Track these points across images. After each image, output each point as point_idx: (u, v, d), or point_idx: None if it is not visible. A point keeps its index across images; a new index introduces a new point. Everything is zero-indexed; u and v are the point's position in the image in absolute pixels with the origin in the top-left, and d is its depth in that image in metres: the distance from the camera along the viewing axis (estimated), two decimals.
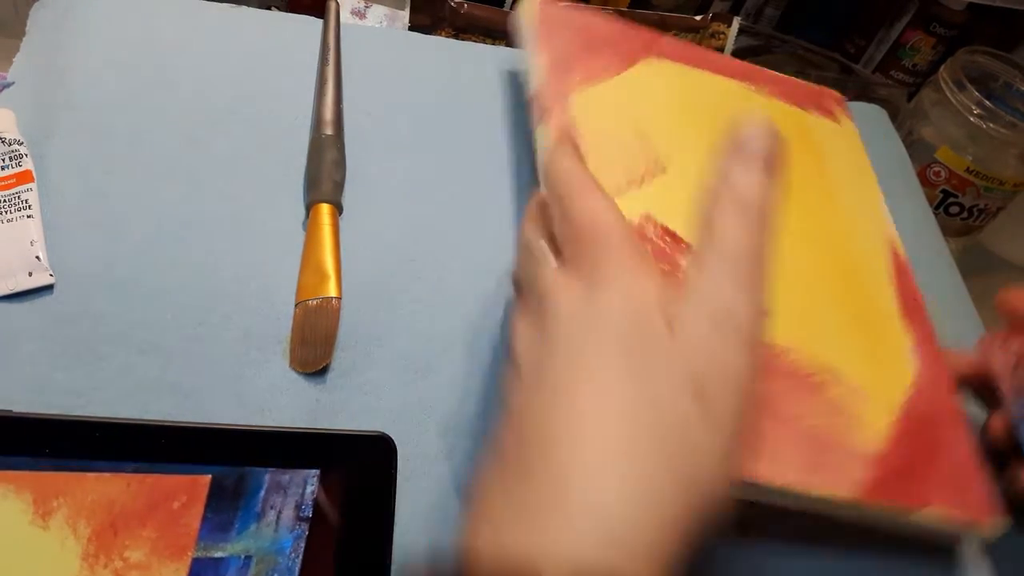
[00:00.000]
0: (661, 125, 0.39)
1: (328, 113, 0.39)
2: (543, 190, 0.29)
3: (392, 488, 0.26)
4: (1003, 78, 0.60)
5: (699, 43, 0.57)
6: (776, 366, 0.34)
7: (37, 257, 0.31)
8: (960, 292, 0.46)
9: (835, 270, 0.40)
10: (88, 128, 0.36)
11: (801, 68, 0.69)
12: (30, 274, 0.31)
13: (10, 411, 0.24)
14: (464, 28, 0.51)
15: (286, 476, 0.25)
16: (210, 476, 0.24)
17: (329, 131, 0.38)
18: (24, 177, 0.33)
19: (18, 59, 0.37)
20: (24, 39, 0.38)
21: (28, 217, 0.32)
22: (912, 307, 0.41)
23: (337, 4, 0.45)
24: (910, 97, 0.67)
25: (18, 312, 0.30)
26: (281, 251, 0.35)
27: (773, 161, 0.25)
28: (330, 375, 0.32)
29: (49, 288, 0.31)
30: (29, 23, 0.39)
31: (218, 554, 0.23)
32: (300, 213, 0.36)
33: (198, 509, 0.24)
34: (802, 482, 0.31)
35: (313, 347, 0.32)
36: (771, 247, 0.24)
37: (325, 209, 0.35)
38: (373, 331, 0.34)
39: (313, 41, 0.43)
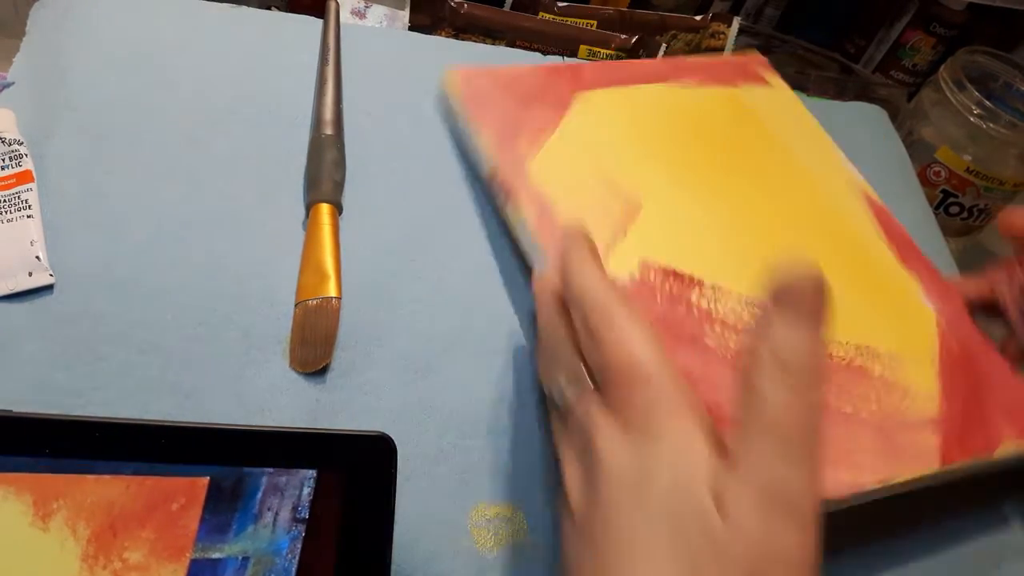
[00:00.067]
0: (618, 160, 0.39)
1: (328, 113, 0.39)
2: (537, 275, 0.31)
3: (392, 488, 0.26)
4: (1003, 78, 0.60)
5: (699, 43, 0.57)
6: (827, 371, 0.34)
7: (37, 257, 0.31)
8: None
9: (823, 240, 0.40)
10: (88, 128, 0.36)
11: (801, 68, 0.69)
12: (30, 274, 0.31)
13: (10, 411, 0.24)
14: (464, 28, 0.51)
15: (284, 477, 0.25)
16: (208, 478, 0.24)
17: (329, 131, 0.38)
18: (24, 177, 0.33)
19: (18, 59, 0.37)
20: (24, 39, 0.38)
21: (28, 217, 0.32)
22: (906, 249, 0.42)
23: (337, 4, 0.45)
24: (910, 97, 0.67)
25: (18, 312, 0.30)
26: (281, 251, 0.35)
27: (819, 312, 0.22)
28: (330, 375, 0.32)
29: (49, 288, 0.31)
30: (29, 23, 0.39)
31: (216, 555, 0.23)
32: (300, 213, 0.36)
33: (196, 511, 0.24)
34: (885, 476, 0.32)
35: (313, 347, 0.32)
36: (821, 410, 0.22)
37: (325, 209, 0.35)
38: (373, 331, 0.34)
39: (313, 41, 0.43)
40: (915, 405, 0.34)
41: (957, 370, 0.36)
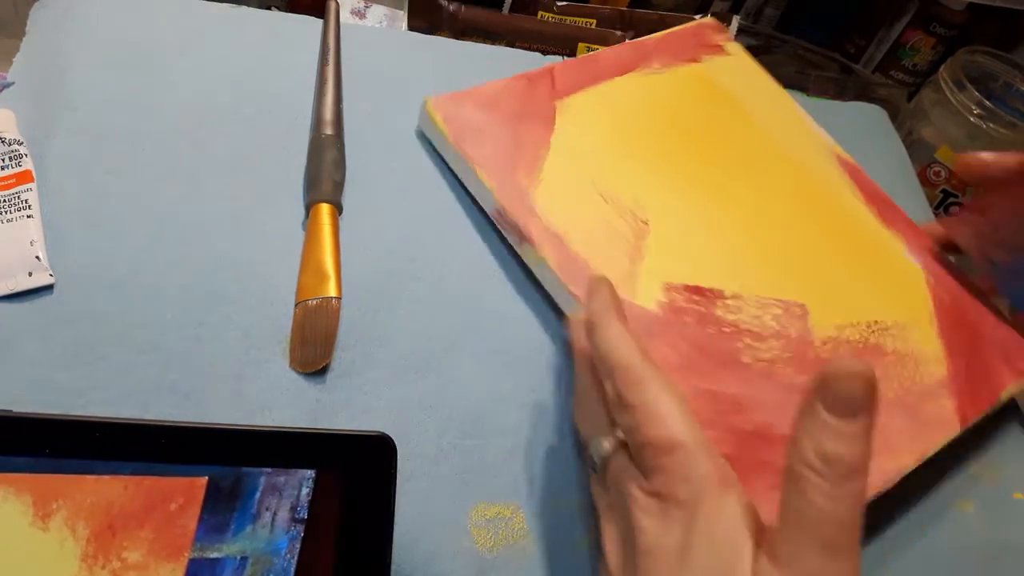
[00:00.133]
0: (612, 172, 0.40)
1: (328, 113, 0.39)
2: (569, 324, 0.31)
3: (392, 488, 0.26)
4: (1003, 78, 0.60)
5: None
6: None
7: (37, 257, 0.31)
8: None
9: (812, 219, 0.41)
10: (88, 128, 0.36)
11: (801, 68, 0.69)
12: (30, 274, 0.31)
13: (10, 411, 0.24)
14: (463, 32, 0.51)
15: (283, 477, 0.25)
16: (207, 478, 0.24)
17: (329, 131, 0.38)
18: (24, 177, 0.33)
19: (18, 59, 0.37)
20: (24, 39, 0.38)
21: (28, 217, 0.32)
22: (883, 207, 0.44)
23: (337, 4, 0.45)
24: (910, 97, 0.67)
25: (18, 312, 0.30)
26: (281, 251, 0.35)
27: (866, 406, 0.22)
28: (330, 375, 0.32)
29: (49, 288, 0.31)
30: (29, 23, 0.39)
31: (214, 555, 0.23)
32: (300, 213, 0.36)
33: (195, 511, 0.24)
34: (921, 452, 0.34)
35: (313, 347, 0.32)
36: (863, 498, 0.22)
37: (325, 209, 0.35)
38: (373, 331, 0.34)
39: (313, 41, 0.43)
40: (927, 371, 0.37)
41: (953, 324, 0.39)
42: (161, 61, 0.39)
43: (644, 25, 0.54)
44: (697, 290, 0.36)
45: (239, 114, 0.39)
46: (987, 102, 0.56)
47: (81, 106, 0.36)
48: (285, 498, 0.25)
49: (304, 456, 0.26)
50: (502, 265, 0.38)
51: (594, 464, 0.28)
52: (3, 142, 0.33)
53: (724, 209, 0.40)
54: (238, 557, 0.23)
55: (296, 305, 0.33)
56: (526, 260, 0.37)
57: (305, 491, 0.25)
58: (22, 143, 0.34)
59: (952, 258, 0.43)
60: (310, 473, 0.25)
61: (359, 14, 0.53)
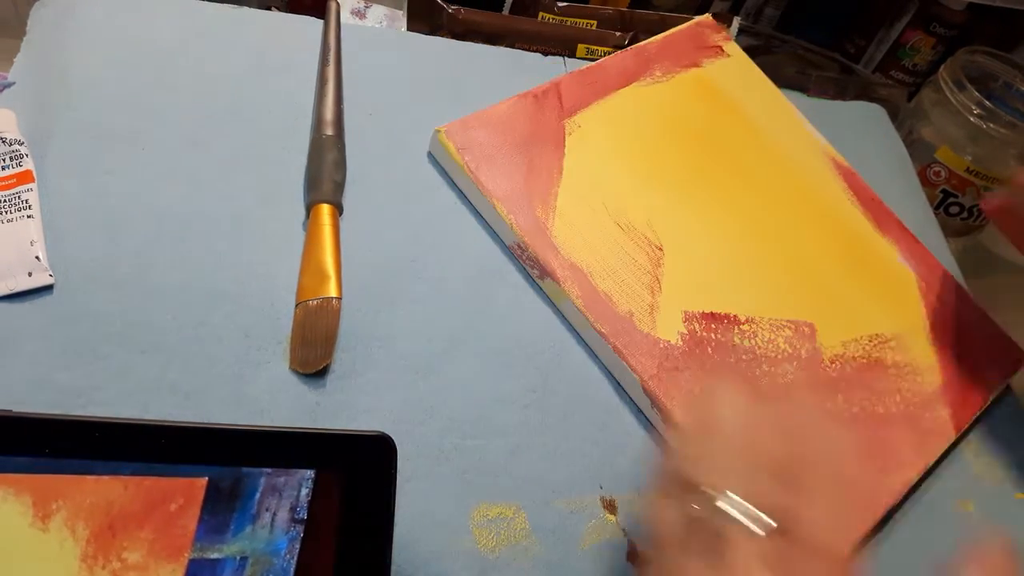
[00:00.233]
0: (625, 195, 0.40)
1: (328, 113, 0.39)
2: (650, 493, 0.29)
3: (392, 488, 0.26)
4: (1003, 78, 0.60)
5: None
6: (853, 376, 0.37)
7: (37, 257, 0.31)
8: None
9: (814, 231, 0.42)
10: (88, 128, 0.36)
11: (801, 68, 0.69)
12: (30, 274, 0.31)
13: (10, 411, 0.24)
14: (463, 34, 0.51)
15: (283, 477, 0.25)
16: (206, 478, 0.24)
17: (329, 131, 0.38)
18: (24, 177, 0.33)
19: (18, 59, 0.37)
20: (24, 39, 0.38)
21: (28, 217, 0.32)
22: (877, 212, 0.45)
23: (337, 4, 0.45)
24: (910, 97, 0.67)
25: (18, 312, 0.30)
26: (281, 251, 0.35)
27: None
28: (330, 375, 0.32)
29: (49, 288, 0.31)
30: (29, 23, 0.39)
31: (214, 555, 0.23)
32: (300, 213, 0.36)
33: (195, 511, 0.24)
34: (924, 463, 0.36)
35: (313, 347, 0.32)
36: None
37: (325, 209, 0.35)
38: (373, 331, 0.34)
39: (313, 41, 0.43)
40: (924, 380, 0.38)
41: (944, 329, 0.40)
42: (161, 61, 0.39)
43: (644, 26, 0.54)
44: (714, 317, 0.37)
45: (239, 114, 0.39)
46: (987, 102, 0.56)
47: (81, 106, 0.36)
48: (285, 498, 0.25)
49: (304, 456, 0.26)
50: (502, 265, 0.38)
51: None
52: (4, 142, 0.33)
53: (729, 223, 0.41)
54: (238, 557, 0.23)
55: (296, 305, 0.33)
56: (548, 294, 0.37)
57: (305, 491, 0.25)
58: (23, 143, 0.34)
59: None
60: (310, 473, 0.25)
61: (359, 14, 0.53)
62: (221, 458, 0.25)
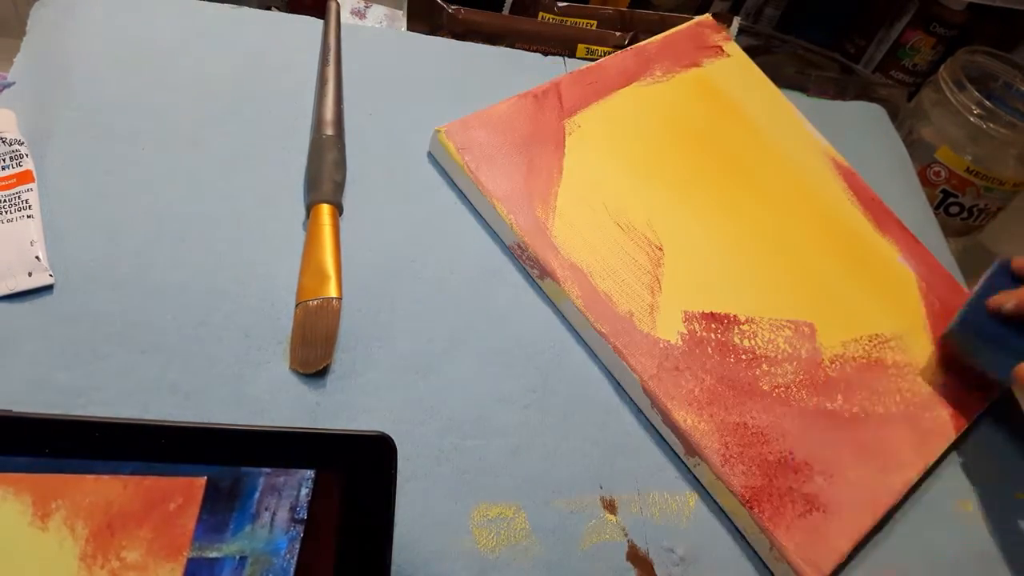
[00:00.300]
0: (625, 195, 0.40)
1: (328, 113, 0.39)
2: None
3: (392, 488, 0.26)
4: (1003, 78, 0.60)
5: None
6: (853, 376, 0.37)
7: (37, 257, 0.31)
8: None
9: (815, 231, 0.42)
10: (88, 128, 0.36)
11: (801, 68, 0.69)
12: (30, 274, 0.31)
13: (10, 411, 0.24)
14: (463, 35, 0.51)
15: (282, 477, 0.25)
16: (206, 478, 0.24)
17: (329, 131, 0.38)
18: (24, 177, 0.33)
19: (18, 59, 0.37)
20: (24, 39, 0.38)
21: (28, 217, 0.32)
22: (877, 212, 0.45)
23: (337, 4, 0.45)
24: (910, 97, 0.67)
25: (18, 312, 0.30)
26: (281, 251, 0.35)
27: None
28: (330, 376, 0.32)
29: (49, 288, 0.31)
30: (29, 23, 0.39)
31: (213, 555, 0.23)
32: (300, 213, 0.36)
33: (194, 510, 0.24)
34: (923, 464, 0.36)
35: (313, 347, 0.32)
36: None
37: (325, 209, 0.35)
38: (373, 331, 0.34)
39: (313, 41, 0.43)
40: (925, 380, 0.38)
41: (944, 329, 0.40)
42: (161, 61, 0.39)
43: (644, 26, 0.54)
44: (714, 317, 0.37)
45: (239, 114, 0.39)
46: (987, 102, 0.56)
47: (81, 106, 0.36)
48: (285, 498, 0.25)
49: (304, 456, 0.26)
50: (502, 265, 0.38)
51: None
52: (4, 142, 0.33)
53: (729, 223, 0.41)
54: (237, 557, 0.23)
55: (297, 305, 0.33)
56: (548, 294, 0.37)
57: (305, 491, 0.25)
58: (23, 143, 0.34)
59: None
60: (310, 473, 0.25)
61: (359, 14, 0.53)
62: (221, 458, 0.25)
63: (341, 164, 0.37)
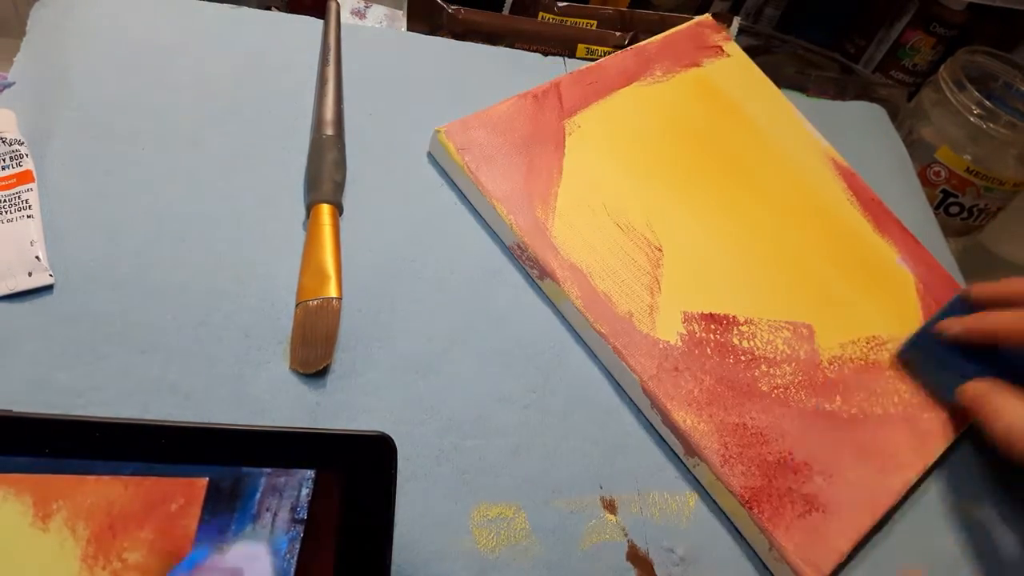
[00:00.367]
0: (625, 195, 0.40)
1: (328, 113, 0.39)
2: None
3: (392, 488, 0.26)
4: (1003, 78, 0.60)
5: None
6: (851, 378, 0.37)
7: (37, 257, 0.31)
8: None
9: (814, 232, 0.42)
10: (88, 128, 0.36)
11: (801, 68, 0.69)
12: (30, 274, 0.31)
13: (10, 411, 0.24)
14: (463, 35, 0.51)
15: (283, 477, 0.25)
16: (207, 478, 0.24)
17: (329, 131, 0.38)
18: (24, 177, 0.33)
19: (18, 59, 0.37)
20: (24, 39, 0.38)
21: (28, 217, 0.32)
22: (877, 213, 0.45)
23: (337, 4, 0.45)
24: (910, 97, 0.67)
25: (18, 312, 0.30)
26: (281, 251, 0.35)
27: None
28: (330, 376, 0.32)
29: (49, 288, 0.31)
30: (29, 23, 0.39)
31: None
32: (300, 213, 0.36)
33: (195, 511, 0.24)
34: (922, 465, 0.36)
35: (314, 347, 0.32)
36: None
37: (326, 209, 0.35)
38: (373, 331, 0.34)
39: (313, 41, 0.43)
40: None
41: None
42: (161, 61, 0.39)
43: (644, 26, 0.54)
44: (713, 318, 0.37)
45: (239, 114, 0.39)
46: (987, 102, 0.56)
47: (81, 106, 0.36)
48: (285, 498, 0.25)
49: (304, 456, 0.26)
50: (502, 265, 0.38)
51: None
52: (4, 142, 0.33)
53: (729, 224, 0.41)
54: None
55: (297, 305, 0.33)
56: (548, 294, 0.37)
57: (305, 491, 0.25)
58: (23, 143, 0.34)
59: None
60: (310, 473, 0.25)
61: (359, 14, 0.53)
62: (221, 458, 0.25)
63: (341, 164, 0.37)
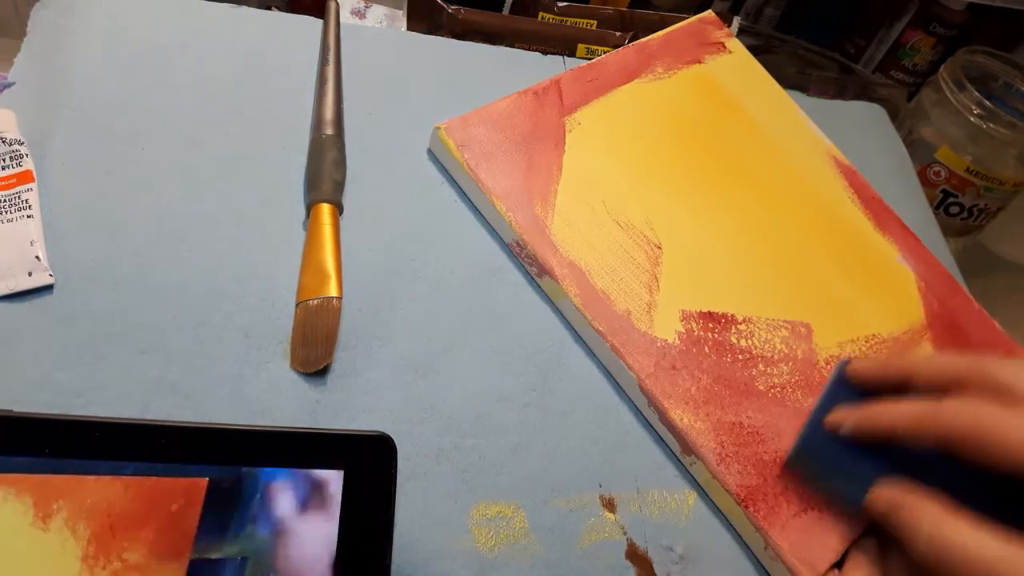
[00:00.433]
0: (625, 193, 0.40)
1: (328, 113, 0.39)
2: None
3: (392, 488, 0.26)
4: (1003, 78, 0.60)
5: None
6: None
7: (37, 257, 0.31)
8: None
9: (814, 229, 0.42)
10: (88, 128, 0.36)
11: (801, 68, 0.69)
12: (30, 274, 0.31)
13: (10, 411, 0.24)
14: (463, 34, 0.51)
15: (284, 477, 0.25)
16: (207, 478, 0.24)
17: (329, 131, 0.38)
18: (24, 177, 0.33)
19: (19, 59, 0.37)
20: (25, 39, 0.38)
21: (28, 217, 0.32)
22: (878, 211, 0.45)
23: (337, 4, 0.45)
24: (910, 97, 0.67)
25: (18, 312, 0.30)
26: (281, 251, 0.35)
27: None
28: (330, 375, 0.32)
29: (49, 288, 0.31)
30: (30, 23, 0.39)
31: (215, 555, 0.23)
32: (300, 213, 0.36)
33: (195, 511, 0.24)
34: None
35: (314, 347, 0.32)
36: None
37: (326, 209, 0.35)
38: (373, 331, 0.34)
39: (313, 41, 0.43)
40: None
41: (944, 330, 0.40)
42: (161, 61, 0.39)
43: (644, 26, 0.54)
44: (711, 316, 0.37)
45: (239, 114, 0.39)
46: (987, 102, 0.56)
47: (81, 106, 0.36)
48: (285, 498, 0.25)
49: (304, 456, 0.26)
50: (502, 263, 0.38)
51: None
52: (4, 142, 0.33)
53: (729, 222, 0.41)
54: (238, 558, 0.23)
55: (297, 305, 0.33)
56: (547, 292, 0.37)
57: (305, 491, 0.25)
58: (23, 143, 0.34)
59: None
60: (310, 473, 0.25)
61: (359, 14, 0.53)
62: (221, 458, 0.25)
63: (341, 163, 0.37)
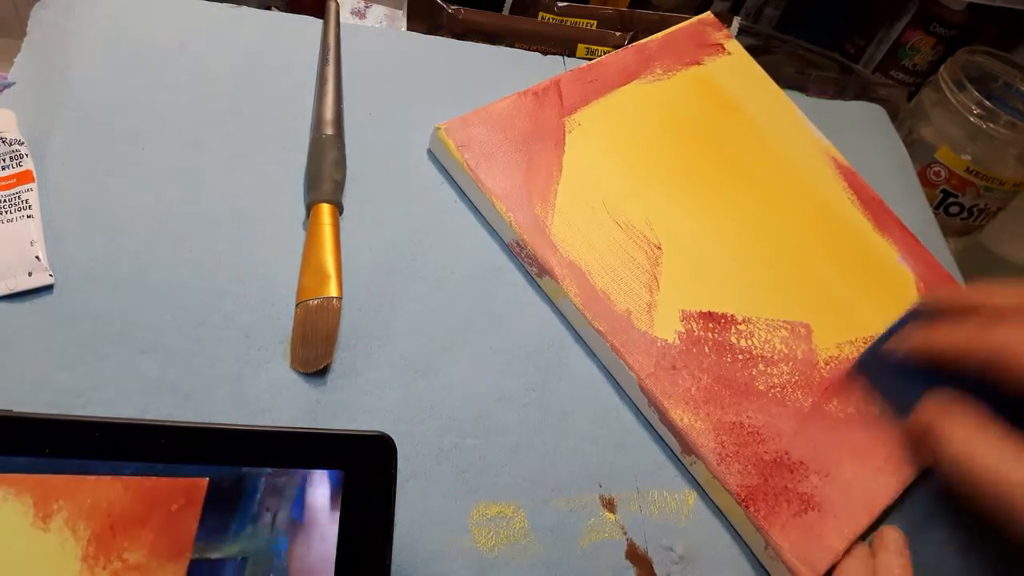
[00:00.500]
0: (625, 194, 0.40)
1: (328, 113, 0.39)
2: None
3: (392, 488, 0.26)
4: (1003, 78, 0.60)
5: None
6: (848, 378, 0.37)
7: (37, 257, 0.31)
8: None
9: (814, 230, 0.42)
10: (88, 128, 0.36)
11: (801, 68, 0.69)
12: (30, 274, 0.31)
13: (10, 411, 0.24)
14: (463, 34, 0.51)
15: (284, 477, 0.25)
16: (207, 478, 0.24)
17: (329, 131, 0.38)
18: (24, 177, 0.33)
19: (19, 59, 0.37)
20: (25, 39, 0.38)
21: (28, 217, 0.32)
22: (877, 212, 0.45)
23: (337, 4, 0.45)
24: (910, 97, 0.67)
25: (18, 312, 0.30)
26: (281, 251, 0.35)
27: None
28: (330, 375, 0.32)
29: (49, 288, 0.31)
30: (30, 23, 0.39)
31: (215, 555, 0.23)
32: (300, 213, 0.36)
33: (195, 511, 0.24)
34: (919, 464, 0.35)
35: (314, 347, 0.32)
36: None
37: (326, 209, 0.35)
38: (373, 331, 0.34)
39: (313, 41, 0.43)
40: None
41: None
42: (161, 61, 0.39)
43: (644, 26, 0.54)
44: (711, 316, 0.37)
45: (239, 114, 0.39)
46: (987, 102, 0.56)
47: (81, 106, 0.36)
48: (285, 498, 0.25)
49: (304, 456, 0.26)
50: (502, 263, 0.38)
51: None
52: (4, 142, 0.33)
53: (728, 222, 0.41)
54: (238, 558, 0.23)
55: (297, 305, 0.33)
56: (547, 292, 0.37)
57: (305, 491, 0.25)
58: (23, 143, 0.34)
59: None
60: (310, 473, 0.25)
61: (359, 14, 0.53)
62: (221, 458, 0.25)
63: (341, 163, 0.37)
